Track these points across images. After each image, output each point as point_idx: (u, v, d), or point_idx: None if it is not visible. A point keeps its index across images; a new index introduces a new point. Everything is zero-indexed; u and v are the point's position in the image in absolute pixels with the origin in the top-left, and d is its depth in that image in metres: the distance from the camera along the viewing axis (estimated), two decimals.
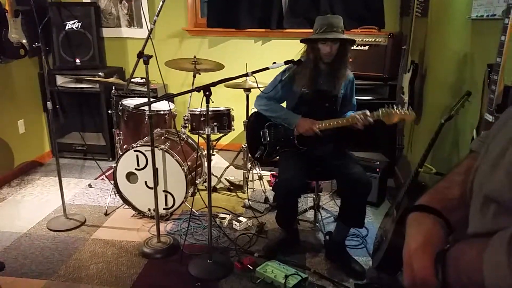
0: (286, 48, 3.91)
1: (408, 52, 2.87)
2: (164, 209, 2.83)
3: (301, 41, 2.40)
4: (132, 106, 3.06)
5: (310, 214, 2.93)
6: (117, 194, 2.88)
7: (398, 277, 2.23)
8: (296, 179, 2.27)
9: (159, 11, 2.15)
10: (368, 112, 2.25)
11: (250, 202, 3.10)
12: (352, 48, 3.33)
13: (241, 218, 2.83)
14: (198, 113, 3.09)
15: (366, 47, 3.41)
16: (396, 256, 2.13)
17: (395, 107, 2.22)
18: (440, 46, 2.66)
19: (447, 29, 2.53)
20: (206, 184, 3.07)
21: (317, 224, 2.83)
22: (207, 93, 2.06)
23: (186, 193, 2.78)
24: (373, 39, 3.38)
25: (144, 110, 2.88)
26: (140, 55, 2.18)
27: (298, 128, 2.41)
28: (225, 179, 3.47)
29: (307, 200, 3.16)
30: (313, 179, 2.78)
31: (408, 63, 2.89)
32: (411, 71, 2.84)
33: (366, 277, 2.27)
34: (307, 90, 2.40)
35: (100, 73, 3.75)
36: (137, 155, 2.75)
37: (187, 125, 3.14)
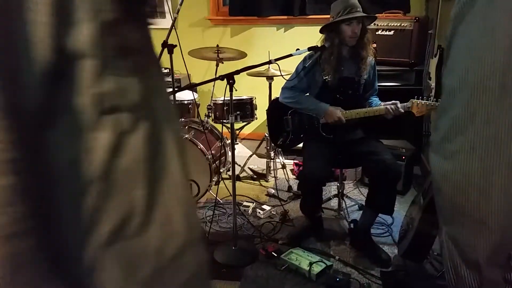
0: (309, 35, 3.86)
1: (434, 37, 2.80)
2: None
3: (322, 28, 2.38)
4: None
5: (334, 203, 2.92)
6: None
7: (424, 265, 2.21)
8: (321, 168, 2.27)
9: (182, 1, 2.17)
10: (399, 104, 2.27)
11: (273, 191, 3.11)
12: (377, 33, 3.29)
13: (264, 206, 2.85)
14: (221, 102, 3.11)
15: (391, 32, 3.33)
16: (422, 243, 2.11)
17: (424, 99, 2.22)
18: None
19: None
20: (229, 172, 3.11)
21: (341, 212, 2.81)
22: (230, 81, 2.07)
23: (210, 182, 2.82)
24: (399, 24, 3.29)
25: None
26: (165, 44, 2.20)
27: (327, 118, 2.39)
28: (248, 168, 3.49)
29: (330, 189, 3.14)
30: (338, 167, 2.76)
31: (435, 48, 2.81)
32: (438, 56, 2.76)
33: (392, 265, 2.26)
34: (330, 78, 2.38)
35: None
36: None
37: (210, 115, 3.16)
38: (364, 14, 2.29)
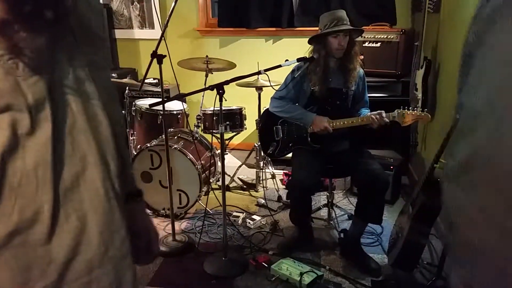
0: (297, 47, 3.89)
1: (420, 48, 2.85)
2: (178, 208, 2.85)
3: (310, 39, 2.41)
4: (146, 106, 3.09)
5: (323, 212, 2.92)
6: None
7: (414, 274, 2.22)
8: (309, 177, 2.28)
9: (172, 11, 2.17)
10: (383, 113, 2.27)
11: (263, 201, 3.11)
12: (364, 45, 3.35)
13: (254, 217, 2.84)
14: (211, 112, 3.11)
15: (378, 44, 3.39)
16: (412, 252, 2.13)
17: (410, 109, 2.24)
18: (453, 42, 2.63)
19: (460, 24, 2.50)
20: (219, 183, 3.09)
21: (331, 222, 2.82)
22: (220, 91, 2.07)
23: (200, 192, 2.80)
24: (385, 36, 3.36)
25: (158, 110, 2.91)
26: (154, 54, 2.20)
27: (313, 127, 2.41)
28: (238, 178, 3.48)
29: (320, 198, 3.15)
30: (326, 177, 2.78)
31: (421, 59, 2.87)
32: (424, 67, 2.82)
33: (382, 274, 2.26)
34: (318, 89, 2.40)
35: (113, 75, 3.79)
36: (151, 155, 2.78)
37: (200, 125, 3.16)
38: (351, 27, 2.33)
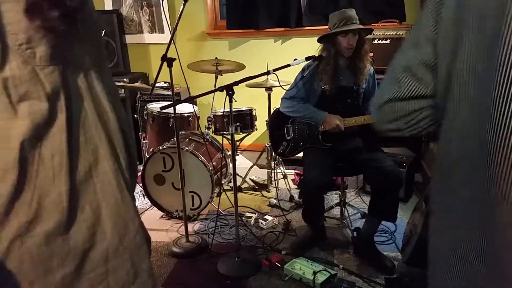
0: (306, 46, 3.90)
1: None
2: (191, 209, 2.88)
3: (320, 38, 2.41)
4: (158, 110, 3.13)
5: (336, 211, 2.91)
6: (145, 196, 2.94)
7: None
8: (321, 176, 2.27)
9: (180, 15, 2.20)
10: None
11: (275, 201, 3.11)
12: (373, 42, 3.33)
13: (267, 217, 2.85)
14: (221, 114, 3.13)
15: (388, 41, 3.37)
16: (426, 249, 2.10)
17: None
18: None
19: None
20: (231, 184, 3.11)
21: (344, 221, 2.81)
22: (230, 92, 2.09)
23: (212, 193, 2.82)
24: (395, 33, 3.33)
25: (169, 113, 2.94)
26: (164, 58, 2.22)
27: (325, 125, 2.41)
28: (250, 179, 3.49)
29: (332, 197, 3.14)
30: (338, 175, 2.77)
31: None
32: None
33: (396, 272, 2.25)
34: (328, 87, 2.40)
35: (125, 79, 3.85)
36: (163, 157, 2.81)
37: (210, 127, 3.18)
38: (360, 26, 2.31)
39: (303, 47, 3.93)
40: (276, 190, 3.29)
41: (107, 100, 0.71)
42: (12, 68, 0.59)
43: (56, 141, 0.62)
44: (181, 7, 2.23)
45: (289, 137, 2.60)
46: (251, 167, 3.51)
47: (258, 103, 3.64)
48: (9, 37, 0.58)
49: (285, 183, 3.33)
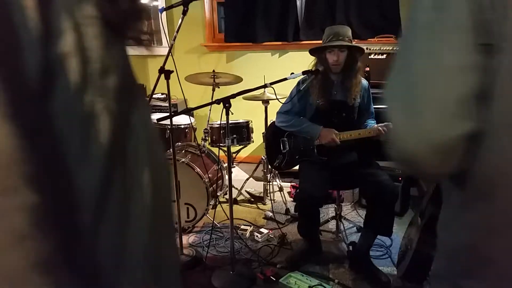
0: (303, 60, 3.91)
1: None
2: (186, 221, 2.86)
3: (310, 51, 2.44)
4: (154, 121, 3.13)
5: (332, 225, 2.90)
6: None
7: (423, 286, 2.18)
8: (317, 189, 2.27)
9: (179, 28, 2.22)
10: (391, 125, 2.26)
11: (271, 214, 3.10)
12: (369, 57, 3.36)
13: (262, 230, 2.83)
14: (218, 126, 3.14)
15: (384, 56, 3.40)
16: (421, 264, 2.09)
17: None
18: None
19: None
20: (227, 196, 3.10)
21: (339, 235, 2.80)
22: (226, 105, 2.10)
23: (207, 206, 2.81)
24: (391, 48, 3.37)
25: (166, 124, 2.94)
26: (162, 70, 2.24)
27: (321, 139, 2.42)
28: (246, 191, 3.48)
29: (328, 211, 3.13)
30: (334, 189, 2.77)
31: None
32: None
33: (391, 287, 2.23)
34: (322, 102, 2.42)
35: None
36: None
37: (207, 139, 3.18)
38: (344, 43, 2.28)
39: (300, 61, 3.96)
40: (272, 203, 3.29)
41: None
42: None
43: (137, 133, 0.64)
44: (180, 20, 2.25)
45: (285, 151, 2.60)
46: (247, 179, 3.51)
47: (255, 116, 3.66)
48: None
49: (281, 195, 3.33)
